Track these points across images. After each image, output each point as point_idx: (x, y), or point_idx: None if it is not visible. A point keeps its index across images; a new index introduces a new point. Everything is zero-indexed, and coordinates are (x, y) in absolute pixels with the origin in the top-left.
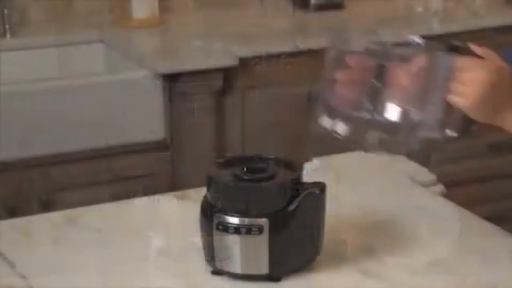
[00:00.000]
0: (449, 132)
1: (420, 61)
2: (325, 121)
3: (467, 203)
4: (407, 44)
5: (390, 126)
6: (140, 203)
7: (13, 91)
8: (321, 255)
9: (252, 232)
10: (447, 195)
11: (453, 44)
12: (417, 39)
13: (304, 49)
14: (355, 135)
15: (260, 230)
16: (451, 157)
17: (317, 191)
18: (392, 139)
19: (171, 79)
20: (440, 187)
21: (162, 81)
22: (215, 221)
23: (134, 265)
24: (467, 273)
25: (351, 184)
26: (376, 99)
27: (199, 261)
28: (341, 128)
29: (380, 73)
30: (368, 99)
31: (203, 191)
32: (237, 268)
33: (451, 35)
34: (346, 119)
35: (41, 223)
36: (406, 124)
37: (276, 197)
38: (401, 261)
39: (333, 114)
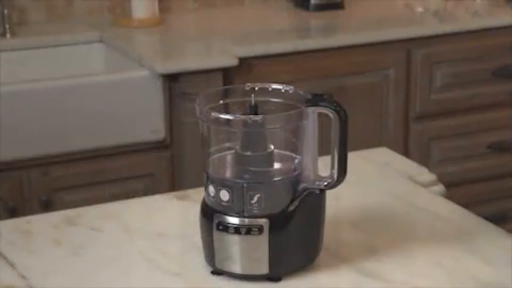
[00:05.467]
0: None
1: None
2: None
3: (467, 203)
4: None
5: None
6: (140, 203)
7: (13, 91)
8: (321, 255)
9: (252, 232)
10: (447, 195)
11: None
12: None
13: (304, 49)
14: None
15: (260, 230)
16: (451, 157)
17: (317, 191)
18: None
19: (171, 79)
20: (440, 187)
21: (162, 81)
22: (215, 221)
23: (133, 265)
24: (467, 273)
25: (351, 184)
26: None
27: (199, 261)
28: None
29: None
30: None
31: (203, 191)
32: (237, 268)
33: (451, 35)
34: None
35: (41, 223)
36: None
37: (276, 197)
38: (401, 261)
39: None
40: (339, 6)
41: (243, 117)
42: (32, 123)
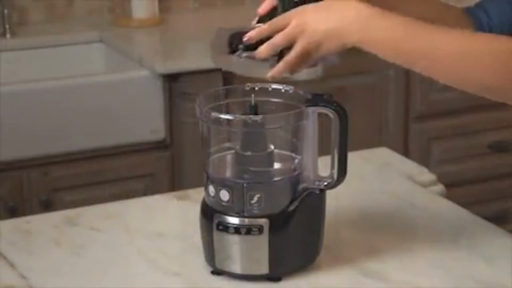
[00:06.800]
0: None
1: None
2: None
3: (467, 203)
4: None
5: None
6: (140, 203)
7: (13, 91)
8: (321, 255)
9: (252, 232)
10: (447, 195)
11: None
12: None
13: None
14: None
15: (260, 230)
16: (451, 157)
17: (317, 191)
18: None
19: (171, 79)
20: (440, 187)
21: (162, 81)
22: (215, 221)
23: (134, 265)
24: (467, 273)
25: (351, 184)
26: None
27: (199, 261)
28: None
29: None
30: None
31: (203, 191)
32: (237, 268)
33: None
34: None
35: (41, 223)
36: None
37: (276, 197)
38: (401, 261)
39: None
40: None
41: (243, 117)
42: (32, 123)
